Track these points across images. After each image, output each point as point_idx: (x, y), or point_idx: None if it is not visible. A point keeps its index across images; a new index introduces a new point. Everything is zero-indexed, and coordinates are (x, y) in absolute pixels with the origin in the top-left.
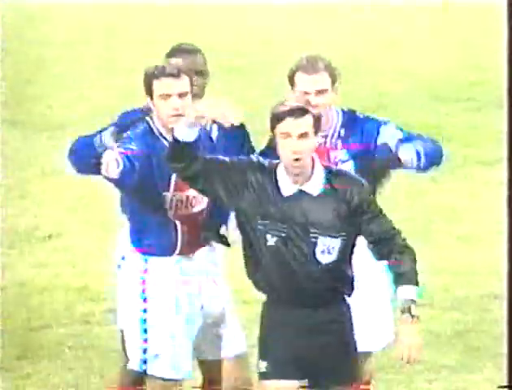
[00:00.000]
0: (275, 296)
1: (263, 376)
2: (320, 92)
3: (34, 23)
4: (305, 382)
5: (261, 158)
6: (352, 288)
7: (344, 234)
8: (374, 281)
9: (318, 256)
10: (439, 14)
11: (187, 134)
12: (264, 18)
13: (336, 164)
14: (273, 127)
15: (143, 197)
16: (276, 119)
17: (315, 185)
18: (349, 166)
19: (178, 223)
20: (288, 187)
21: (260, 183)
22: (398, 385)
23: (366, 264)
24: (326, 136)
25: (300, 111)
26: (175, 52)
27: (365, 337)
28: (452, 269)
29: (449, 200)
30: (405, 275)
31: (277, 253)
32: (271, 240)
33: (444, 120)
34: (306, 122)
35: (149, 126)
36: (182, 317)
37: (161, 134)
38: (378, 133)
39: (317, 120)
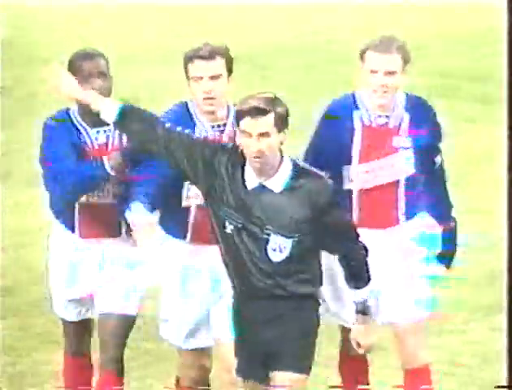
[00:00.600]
0: (232, 283)
1: (236, 373)
2: (390, 73)
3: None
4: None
5: (236, 145)
6: (312, 285)
7: (297, 235)
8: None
9: (270, 253)
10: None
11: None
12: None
13: (397, 150)
14: (237, 124)
15: (165, 185)
16: (238, 117)
17: (278, 182)
18: (408, 155)
19: (192, 211)
20: (251, 179)
21: (229, 169)
22: (435, 326)
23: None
24: (389, 119)
25: (259, 111)
26: (75, 58)
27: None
28: (486, 210)
29: (485, 141)
30: (356, 277)
31: (233, 241)
32: (229, 228)
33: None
34: (266, 121)
35: (187, 109)
36: (186, 295)
37: (197, 117)
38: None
39: (280, 118)
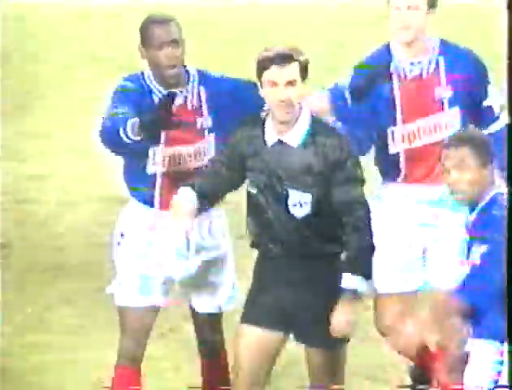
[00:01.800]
0: (259, 243)
1: (242, 318)
2: (411, 7)
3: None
4: (283, 335)
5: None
6: (339, 245)
7: (315, 189)
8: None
9: (291, 209)
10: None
11: None
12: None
13: (441, 103)
14: (259, 75)
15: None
16: (262, 66)
17: (296, 136)
18: (454, 112)
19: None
20: (271, 136)
21: (251, 134)
22: None
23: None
24: (422, 66)
25: (286, 58)
26: (148, 24)
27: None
28: None
29: None
30: (348, 262)
31: (257, 202)
32: (253, 190)
33: None
34: (293, 69)
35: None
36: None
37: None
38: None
39: (304, 66)
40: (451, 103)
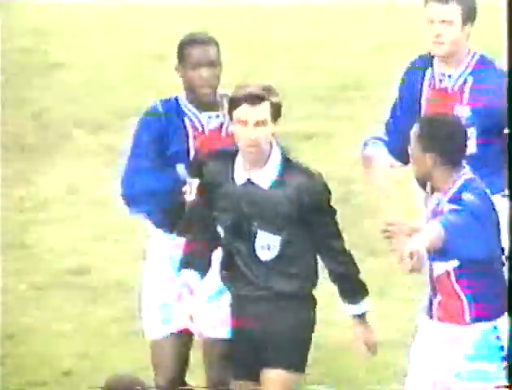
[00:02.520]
0: (226, 284)
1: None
2: (445, 22)
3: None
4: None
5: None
6: (304, 284)
7: (285, 232)
8: None
9: (258, 251)
10: None
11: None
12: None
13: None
14: (230, 112)
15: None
16: (234, 104)
17: (266, 177)
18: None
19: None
20: (240, 175)
21: (219, 170)
22: None
23: None
24: (450, 81)
25: (257, 98)
26: (186, 43)
27: None
28: None
29: None
30: (350, 291)
31: (223, 242)
32: (221, 231)
33: None
34: (263, 109)
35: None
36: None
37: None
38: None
39: (275, 107)
40: (467, 123)
